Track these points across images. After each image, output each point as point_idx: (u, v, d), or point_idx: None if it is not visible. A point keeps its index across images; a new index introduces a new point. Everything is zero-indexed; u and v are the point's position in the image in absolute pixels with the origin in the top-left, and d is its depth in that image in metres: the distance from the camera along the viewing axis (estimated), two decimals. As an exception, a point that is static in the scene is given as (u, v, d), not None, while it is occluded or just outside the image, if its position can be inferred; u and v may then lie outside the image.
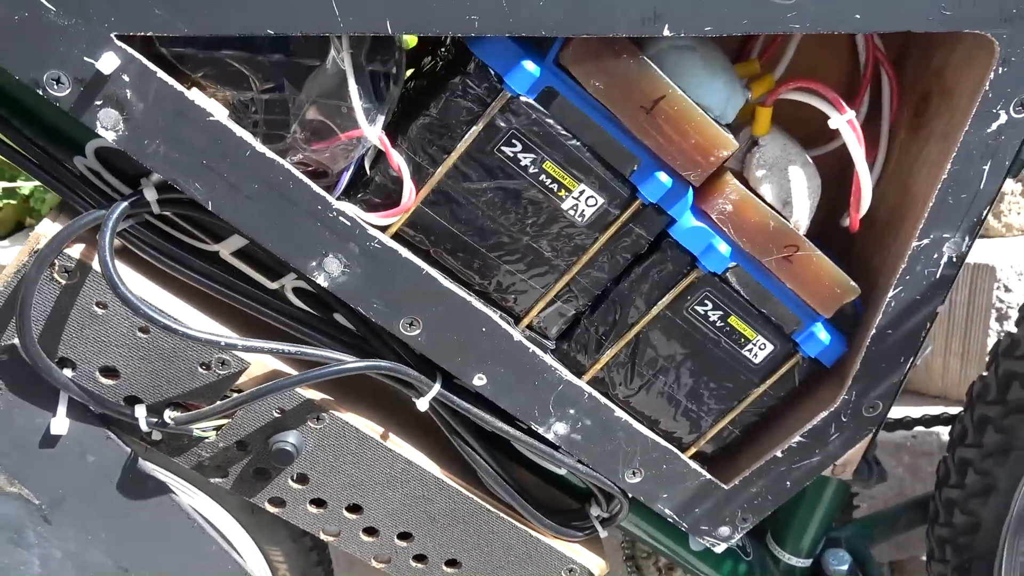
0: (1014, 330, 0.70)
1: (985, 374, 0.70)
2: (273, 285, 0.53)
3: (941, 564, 0.76)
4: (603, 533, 0.64)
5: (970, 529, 0.72)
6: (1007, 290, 1.06)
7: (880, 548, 0.88)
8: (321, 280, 0.49)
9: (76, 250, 0.47)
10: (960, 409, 0.75)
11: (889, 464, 1.09)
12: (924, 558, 0.80)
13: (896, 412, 1.17)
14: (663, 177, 0.49)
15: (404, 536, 0.60)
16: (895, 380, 0.58)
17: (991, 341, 1.06)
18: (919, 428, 0.93)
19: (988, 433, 0.69)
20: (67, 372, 0.50)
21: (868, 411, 0.59)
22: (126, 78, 0.43)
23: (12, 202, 1.18)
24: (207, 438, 0.53)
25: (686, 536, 0.69)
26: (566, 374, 0.55)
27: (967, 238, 0.53)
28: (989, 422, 0.68)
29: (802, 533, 0.71)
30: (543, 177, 0.49)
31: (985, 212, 0.53)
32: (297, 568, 0.71)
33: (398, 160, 0.47)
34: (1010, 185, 1.10)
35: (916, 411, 1.19)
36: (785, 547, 0.72)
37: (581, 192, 0.50)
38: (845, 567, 0.73)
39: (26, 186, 1.13)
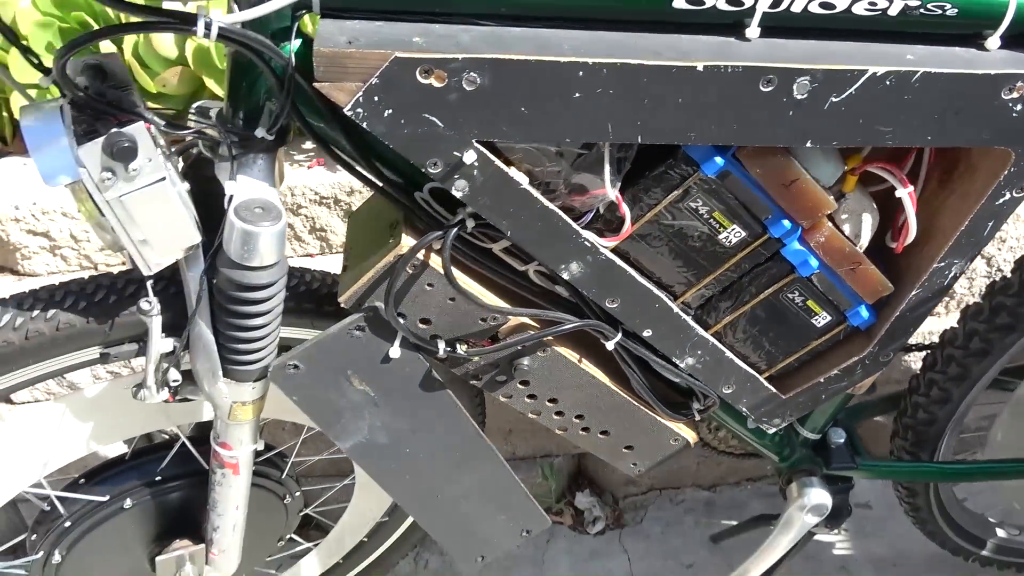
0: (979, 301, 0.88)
1: (955, 326, 0.89)
2: (522, 268, 0.70)
3: (903, 441, 0.98)
4: (697, 418, 0.85)
5: (927, 423, 0.94)
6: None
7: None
8: (566, 275, 0.66)
9: (421, 253, 0.65)
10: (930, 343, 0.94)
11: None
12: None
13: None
14: (786, 223, 0.66)
15: (579, 417, 0.81)
16: (903, 342, 0.77)
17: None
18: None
19: (951, 366, 0.88)
20: (401, 320, 0.68)
21: (883, 359, 0.78)
22: (476, 164, 0.58)
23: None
24: (476, 359, 0.73)
25: (746, 419, 0.90)
26: (699, 330, 0.73)
27: (969, 262, 0.71)
28: (953, 360, 0.88)
29: (819, 418, 0.92)
30: (711, 220, 0.66)
31: (984, 245, 0.70)
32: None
33: (625, 208, 0.64)
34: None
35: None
36: (805, 425, 0.94)
37: (733, 229, 0.66)
38: (842, 440, 0.95)
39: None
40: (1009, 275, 0.83)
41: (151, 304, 0.62)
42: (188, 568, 0.86)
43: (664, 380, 0.83)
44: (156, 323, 0.63)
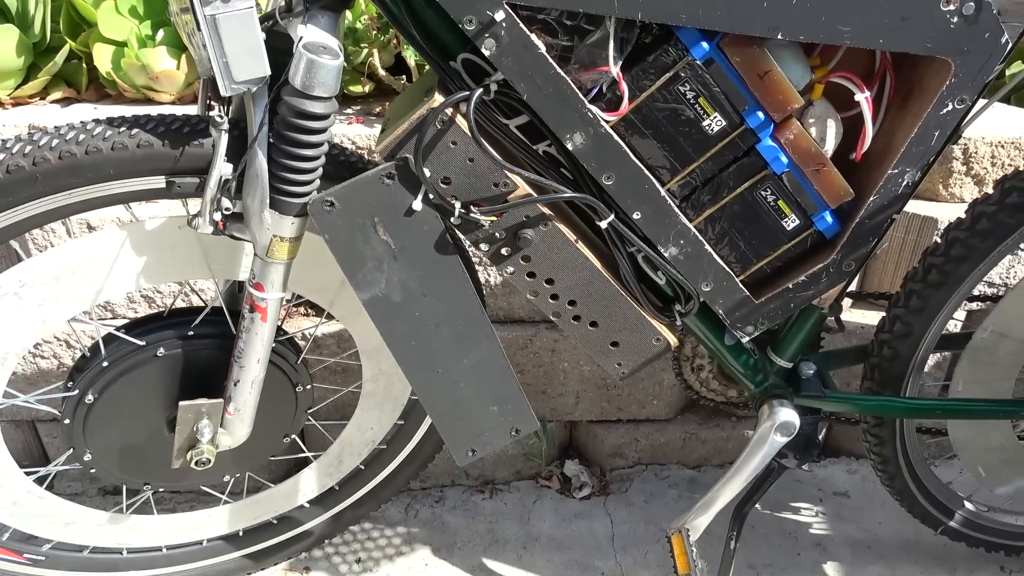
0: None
1: (916, 266, 0.99)
2: (533, 146, 0.82)
3: (871, 382, 1.06)
4: (679, 322, 0.94)
5: (892, 359, 1.02)
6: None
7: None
8: (569, 145, 0.78)
9: (449, 111, 0.77)
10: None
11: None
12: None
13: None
14: (760, 114, 0.78)
15: (571, 303, 0.90)
16: (864, 251, 0.87)
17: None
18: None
19: (912, 300, 0.98)
20: (426, 173, 0.79)
21: (846, 267, 0.87)
22: (504, 24, 0.71)
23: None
24: (485, 225, 0.83)
25: (723, 333, 0.99)
26: (683, 218, 0.84)
27: (920, 173, 0.81)
28: (914, 293, 0.97)
29: (791, 344, 1.01)
30: (696, 105, 0.77)
31: (933, 159, 0.81)
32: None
33: (624, 86, 0.76)
34: (959, 167, 1.36)
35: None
36: (778, 353, 1.03)
37: (715, 116, 0.78)
38: (812, 371, 1.03)
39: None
40: (963, 215, 0.94)
41: (223, 119, 0.74)
42: (205, 423, 0.95)
43: (650, 286, 0.93)
44: (223, 139, 0.75)
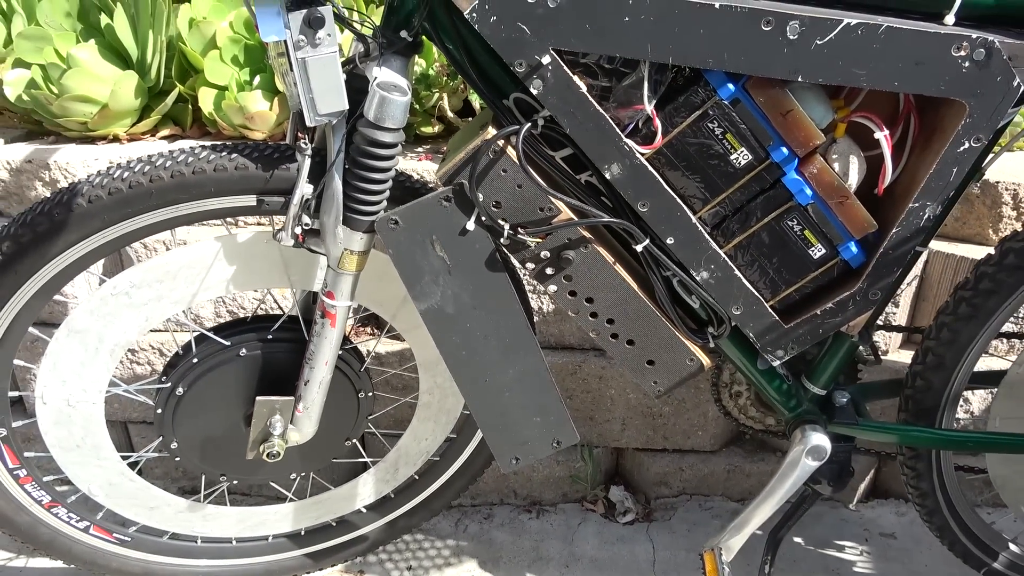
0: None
1: (949, 300, 1.02)
2: (576, 176, 0.91)
3: (905, 413, 1.08)
4: (712, 344, 1.00)
5: (925, 390, 1.04)
6: (993, 279, 1.34)
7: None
8: (608, 175, 0.86)
9: (501, 143, 0.87)
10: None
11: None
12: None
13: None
14: (784, 150, 0.84)
15: (610, 321, 0.98)
16: (890, 281, 0.91)
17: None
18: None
19: (943, 332, 1.01)
20: (479, 197, 0.89)
21: (872, 295, 0.92)
22: (550, 67, 0.81)
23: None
24: (531, 245, 0.92)
25: (756, 358, 1.04)
26: (713, 244, 0.91)
27: (940, 207, 0.86)
28: (945, 326, 1.00)
29: (824, 372, 1.05)
30: (724, 141, 0.85)
31: (952, 193, 0.86)
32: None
33: (658, 123, 0.85)
34: (1008, 211, 1.38)
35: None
36: (812, 381, 1.07)
37: (742, 151, 0.85)
38: (845, 400, 1.07)
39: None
40: (992, 251, 0.97)
41: (307, 145, 0.86)
42: (277, 418, 1.05)
43: (685, 309, 0.99)
44: (307, 163, 0.87)
